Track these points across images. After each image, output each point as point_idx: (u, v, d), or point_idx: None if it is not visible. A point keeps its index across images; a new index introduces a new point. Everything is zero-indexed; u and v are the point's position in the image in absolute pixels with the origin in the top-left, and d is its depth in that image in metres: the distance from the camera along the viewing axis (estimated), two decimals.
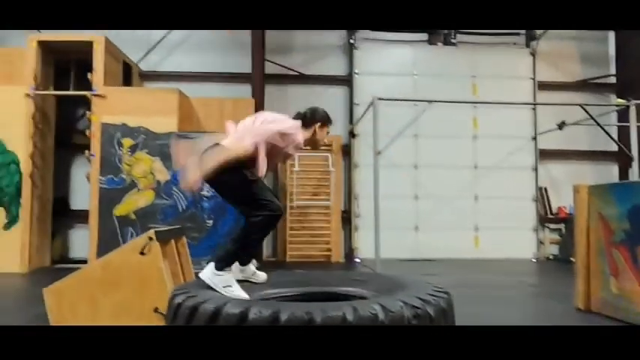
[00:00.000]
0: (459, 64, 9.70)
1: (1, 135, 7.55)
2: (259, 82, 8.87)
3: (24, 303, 5.19)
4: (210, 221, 7.56)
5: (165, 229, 4.88)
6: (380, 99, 6.86)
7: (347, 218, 9.33)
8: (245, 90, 9.11)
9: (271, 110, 9.25)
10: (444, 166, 9.41)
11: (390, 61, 9.70)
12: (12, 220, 7.33)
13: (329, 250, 8.82)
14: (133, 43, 9.26)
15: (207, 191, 7.63)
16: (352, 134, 9.41)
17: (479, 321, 3.82)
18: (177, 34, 9.57)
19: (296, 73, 9.59)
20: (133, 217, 7.43)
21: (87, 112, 7.93)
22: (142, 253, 3.78)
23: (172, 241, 4.54)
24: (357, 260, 8.89)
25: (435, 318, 2.06)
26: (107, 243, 7.17)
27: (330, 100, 9.46)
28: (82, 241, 8.40)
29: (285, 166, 8.94)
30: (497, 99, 8.75)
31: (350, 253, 9.22)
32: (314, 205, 8.91)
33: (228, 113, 8.80)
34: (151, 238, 3.82)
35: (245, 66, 9.06)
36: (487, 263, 8.48)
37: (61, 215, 8.45)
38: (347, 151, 9.42)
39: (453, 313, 2.35)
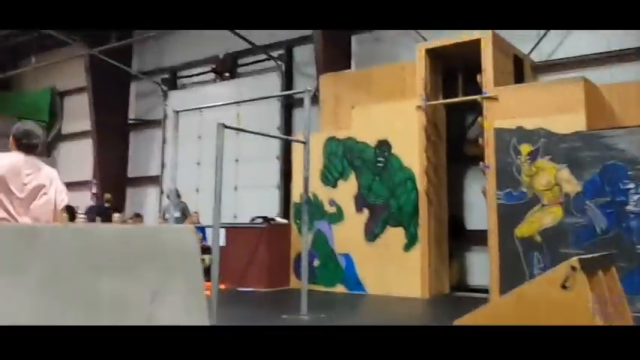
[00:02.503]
0: None
1: (397, 151, 8.77)
2: None
3: None
4: None
5: (590, 256, 4.58)
6: None
7: None
8: None
9: None
10: None
11: None
12: (411, 241, 8.38)
13: None
14: (522, 31, 9.32)
15: (633, 205, 6.88)
16: None
17: None
18: None
19: None
20: (539, 238, 7.36)
21: (477, 118, 8.43)
22: (563, 287, 3.63)
23: (600, 272, 4.21)
24: None
25: None
26: (509, 269, 7.35)
27: None
28: (480, 265, 8.88)
29: None
30: None
31: None
32: None
33: None
34: (574, 268, 3.64)
35: None
36: None
37: (456, 236, 9.17)
38: None
39: None
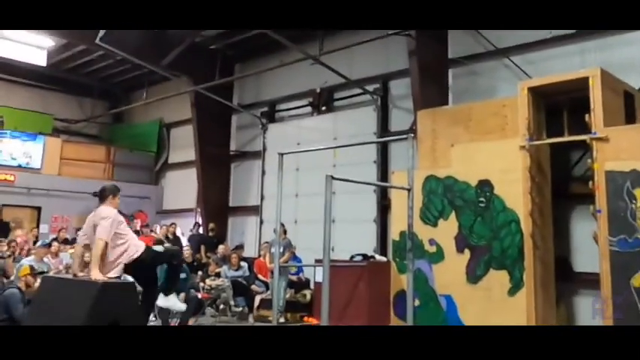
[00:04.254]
0: None
1: (500, 192, 8.50)
2: None
3: None
4: None
5: None
6: None
7: None
8: None
9: None
10: None
11: None
12: (516, 285, 8.07)
13: None
14: (632, 64, 8.83)
15: None
16: None
17: None
18: None
19: None
20: None
21: (584, 155, 8.03)
22: None
23: None
24: None
25: None
26: (623, 318, 6.91)
27: None
28: (589, 309, 8.40)
29: None
30: None
31: None
32: None
33: None
34: None
35: None
36: None
37: (563, 279, 8.74)
38: None
39: None
